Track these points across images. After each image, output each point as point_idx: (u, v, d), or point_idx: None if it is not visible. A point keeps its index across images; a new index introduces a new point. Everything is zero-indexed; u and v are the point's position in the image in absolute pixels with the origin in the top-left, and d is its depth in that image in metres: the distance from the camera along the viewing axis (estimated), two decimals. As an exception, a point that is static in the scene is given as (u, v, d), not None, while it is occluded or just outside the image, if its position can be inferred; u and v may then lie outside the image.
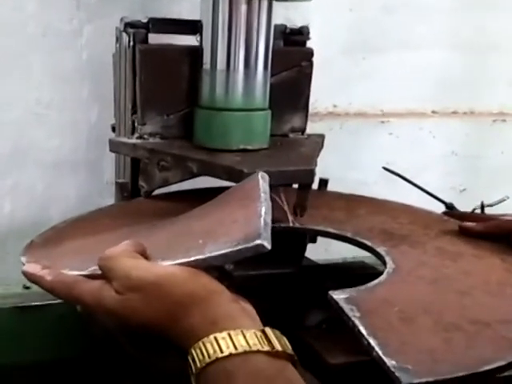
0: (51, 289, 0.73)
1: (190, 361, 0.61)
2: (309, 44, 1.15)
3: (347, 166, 1.45)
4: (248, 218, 0.72)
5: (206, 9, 1.02)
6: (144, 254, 0.72)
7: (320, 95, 1.33)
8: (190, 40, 1.07)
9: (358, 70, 1.44)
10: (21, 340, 1.02)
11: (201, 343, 0.61)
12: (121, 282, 0.67)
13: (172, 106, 1.07)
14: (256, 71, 1.03)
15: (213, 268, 0.70)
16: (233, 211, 0.77)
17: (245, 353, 0.60)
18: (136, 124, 1.06)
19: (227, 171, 0.94)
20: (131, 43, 1.04)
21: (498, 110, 1.58)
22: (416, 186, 1.13)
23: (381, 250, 0.92)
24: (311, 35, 1.15)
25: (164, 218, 0.90)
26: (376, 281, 0.81)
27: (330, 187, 1.16)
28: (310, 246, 1.09)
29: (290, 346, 0.62)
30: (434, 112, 1.54)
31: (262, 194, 0.77)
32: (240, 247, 0.66)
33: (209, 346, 0.61)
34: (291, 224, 0.97)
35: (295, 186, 1.01)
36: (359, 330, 0.69)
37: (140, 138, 1.06)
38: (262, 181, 0.81)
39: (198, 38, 1.05)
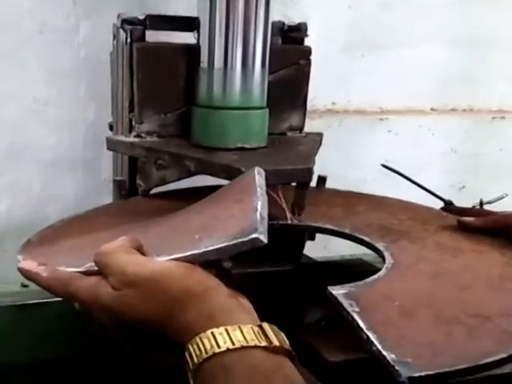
0: (47, 285, 0.73)
1: (187, 356, 0.61)
2: (307, 41, 1.15)
3: (346, 163, 1.45)
4: (244, 213, 0.72)
5: (204, 5, 1.01)
6: (140, 250, 0.72)
7: (319, 92, 1.32)
8: (188, 37, 1.07)
9: (356, 67, 1.43)
10: (19, 338, 1.02)
11: (198, 338, 0.61)
12: (117, 278, 0.67)
13: (169, 105, 1.07)
14: (254, 69, 1.03)
15: (211, 265, 0.70)
16: (229, 206, 0.77)
17: (242, 348, 0.59)
18: (133, 122, 1.06)
19: (225, 170, 0.94)
20: (128, 40, 1.04)
21: (497, 107, 1.58)
22: (415, 183, 1.13)
23: (380, 245, 0.92)
24: (309, 32, 1.14)
25: (161, 216, 0.90)
26: (375, 276, 0.81)
27: (329, 184, 1.16)
28: (308, 244, 1.09)
29: (287, 341, 0.62)
30: (432, 109, 1.53)
31: (258, 189, 0.77)
32: (236, 241, 0.66)
33: (206, 341, 0.61)
34: (289, 221, 0.97)
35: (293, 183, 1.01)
36: (358, 325, 0.69)
37: (137, 136, 1.05)
38: (259, 176, 0.82)
39: (196, 35, 1.05)
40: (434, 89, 1.51)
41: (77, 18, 1.23)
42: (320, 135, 1.17)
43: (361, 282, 0.79)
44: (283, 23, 1.14)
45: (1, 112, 1.23)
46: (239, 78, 1.02)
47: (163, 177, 1.02)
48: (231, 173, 0.90)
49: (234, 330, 0.61)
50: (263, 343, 0.60)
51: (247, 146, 1.04)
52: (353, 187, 1.16)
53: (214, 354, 0.59)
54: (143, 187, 1.04)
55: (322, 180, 1.15)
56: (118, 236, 0.73)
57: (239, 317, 0.63)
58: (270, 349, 0.60)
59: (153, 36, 1.07)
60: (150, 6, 1.20)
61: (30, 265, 0.75)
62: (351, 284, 0.77)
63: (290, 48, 1.14)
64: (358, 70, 1.43)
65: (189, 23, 1.06)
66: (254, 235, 0.66)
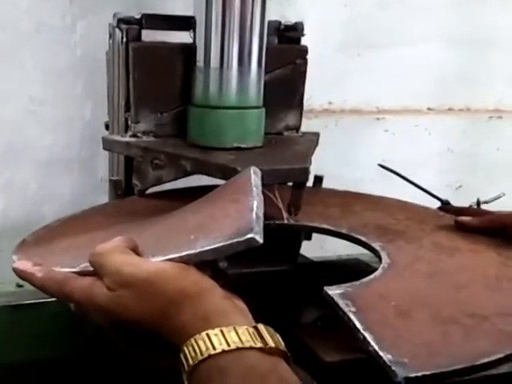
0: (42, 286, 0.73)
1: (182, 358, 0.61)
2: (303, 40, 1.14)
3: (342, 163, 1.45)
4: (240, 213, 0.72)
5: (200, 5, 1.01)
6: (136, 250, 0.71)
7: (315, 92, 1.32)
8: (184, 36, 1.06)
9: (353, 66, 1.43)
10: (14, 338, 1.02)
11: (193, 340, 0.61)
12: (112, 279, 0.67)
13: (165, 104, 1.06)
14: (250, 69, 1.03)
15: (207, 266, 0.70)
16: (225, 206, 0.77)
17: (237, 349, 0.59)
18: (129, 122, 1.06)
19: (221, 170, 0.93)
20: (124, 39, 1.04)
21: (493, 107, 1.58)
22: (412, 183, 1.13)
23: (376, 245, 0.91)
24: (306, 31, 1.14)
25: (157, 216, 0.90)
26: (371, 276, 0.81)
27: (326, 184, 1.16)
28: (304, 244, 1.08)
29: (282, 343, 0.62)
30: (429, 109, 1.53)
31: (254, 189, 0.77)
32: (232, 241, 0.66)
33: (201, 342, 0.60)
34: (286, 221, 0.97)
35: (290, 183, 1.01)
36: (355, 325, 0.69)
37: (133, 136, 1.05)
38: (254, 175, 0.82)
39: (192, 35, 1.05)
40: (431, 88, 1.51)
41: (73, 17, 1.23)
42: (317, 135, 1.17)
43: (357, 282, 0.78)
44: (279, 22, 1.14)
45: (-3, 110, 1.23)
46: (235, 77, 1.02)
47: (159, 177, 1.02)
48: (227, 173, 0.90)
49: (229, 332, 0.60)
50: (258, 344, 0.60)
51: (243, 145, 1.03)
52: (350, 187, 1.15)
53: (210, 356, 0.59)
54: (139, 187, 1.04)
55: (318, 180, 1.15)
56: (113, 236, 0.72)
57: (234, 318, 0.63)
58: (265, 350, 0.60)
59: (149, 35, 1.07)
60: (147, 5, 1.20)
61: (24, 265, 0.75)
62: (347, 284, 0.77)
63: (286, 47, 1.14)
64: (354, 70, 1.43)
65: (185, 22, 1.06)
66: (249, 235, 0.66)
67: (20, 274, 0.75)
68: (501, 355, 0.66)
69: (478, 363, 0.65)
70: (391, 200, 1.12)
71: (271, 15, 1.07)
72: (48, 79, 1.24)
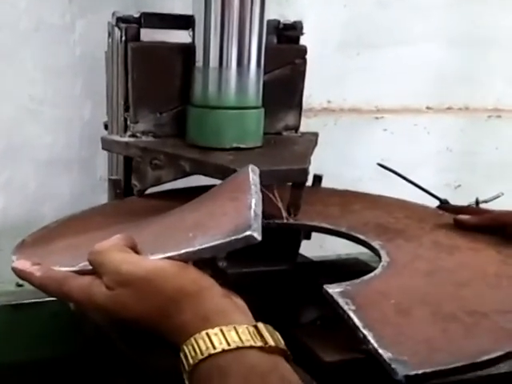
0: (41, 285, 0.73)
1: (182, 357, 0.61)
2: (303, 40, 1.14)
3: (342, 162, 1.45)
4: (238, 210, 0.72)
5: (199, 4, 1.01)
6: (134, 248, 0.71)
7: (314, 91, 1.32)
8: (183, 35, 1.06)
9: (352, 65, 1.43)
10: (13, 338, 1.02)
11: (193, 339, 0.61)
12: (111, 277, 0.67)
13: (165, 104, 1.06)
14: (249, 69, 1.02)
15: (206, 265, 0.69)
16: (223, 204, 0.77)
17: (237, 349, 0.59)
18: (128, 122, 1.06)
19: (220, 170, 0.93)
20: (123, 38, 1.04)
21: (492, 106, 1.58)
22: (411, 182, 1.12)
23: (375, 244, 0.92)
24: (305, 31, 1.14)
25: (156, 215, 0.90)
26: (371, 274, 0.81)
27: (325, 183, 1.16)
28: (304, 243, 1.08)
29: (282, 341, 0.62)
30: (428, 108, 1.53)
31: (253, 187, 0.77)
32: (230, 239, 0.66)
33: (201, 342, 0.60)
34: (285, 220, 0.97)
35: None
36: (354, 323, 0.69)
37: (132, 136, 1.05)
38: (253, 174, 0.82)
39: (191, 33, 1.05)
40: (430, 87, 1.51)
41: (72, 16, 1.23)
42: (315, 135, 1.17)
43: (357, 281, 0.79)
44: (278, 21, 1.14)
45: (-3, 110, 1.23)
46: (234, 77, 1.02)
47: (158, 177, 1.02)
48: (226, 173, 0.90)
49: (229, 331, 0.60)
50: (259, 343, 0.60)
51: (243, 145, 1.03)
52: (349, 186, 1.16)
53: (210, 355, 0.59)
54: (138, 187, 1.04)
55: (317, 179, 1.15)
56: (112, 235, 0.72)
57: (234, 317, 0.63)
58: (265, 349, 0.60)
59: (148, 34, 1.07)
60: (146, 4, 1.19)
61: (23, 264, 0.75)
62: (347, 282, 0.77)
63: (285, 47, 1.14)
64: (353, 69, 1.43)
65: (184, 21, 1.06)
66: (247, 232, 0.66)
67: (19, 273, 0.75)
68: (501, 352, 0.67)
69: (478, 360, 0.65)
70: (390, 199, 1.12)
71: (270, 15, 1.07)
72: (47, 78, 1.24)
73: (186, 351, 0.61)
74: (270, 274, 0.97)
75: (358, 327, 0.69)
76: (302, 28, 1.14)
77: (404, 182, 1.12)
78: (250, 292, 0.71)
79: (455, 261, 0.88)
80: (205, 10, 1.00)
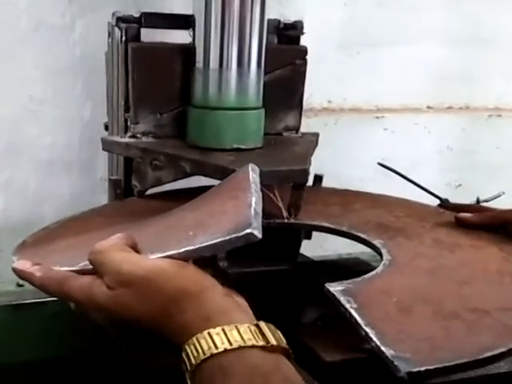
0: (41, 285, 0.73)
1: (184, 357, 0.61)
2: (303, 39, 1.14)
3: (342, 161, 1.45)
4: (238, 209, 0.72)
5: (199, 3, 1.01)
6: (135, 248, 0.71)
7: (315, 91, 1.32)
8: (184, 34, 1.06)
9: (352, 65, 1.43)
10: (14, 338, 1.02)
11: (195, 339, 0.61)
12: (112, 277, 0.67)
13: (165, 105, 1.06)
14: (249, 69, 1.02)
15: (207, 265, 0.70)
16: (223, 203, 0.77)
17: (239, 348, 0.59)
18: (129, 123, 1.06)
19: (220, 171, 0.93)
20: (123, 38, 1.04)
21: (493, 105, 1.58)
22: (411, 181, 1.12)
23: (377, 242, 0.92)
24: (305, 30, 1.14)
25: (157, 215, 0.90)
26: (373, 272, 0.81)
27: (325, 183, 1.16)
28: (305, 243, 1.08)
29: (284, 340, 0.62)
30: (429, 107, 1.53)
31: (253, 185, 0.77)
32: (230, 237, 0.66)
33: (203, 342, 0.60)
34: (286, 220, 0.97)
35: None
36: (356, 321, 0.69)
37: (133, 137, 1.05)
38: (253, 172, 0.82)
39: (191, 33, 1.05)
40: (431, 87, 1.50)
41: (72, 15, 1.23)
42: (316, 135, 1.17)
43: (358, 279, 0.79)
44: (279, 21, 1.14)
45: (-3, 110, 1.23)
46: (235, 78, 1.02)
47: (159, 178, 1.02)
48: (227, 174, 0.90)
49: (231, 330, 0.60)
50: (261, 342, 0.60)
51: (243, 146, 1.03)
52: (349, 186, 1.16)
53: (212, 355, 0.59)
54: (139, 188, 1.04)
55: (318, 179, 1.15)
56: (112, 235, 0.72)
57: (236, 316, 0.63)
58: (267, 348, 0.60)
59: (149, 34, 1.07)
60: (146, 4, 1.19)
61: (23, 265, 0.75)
62: (349, 281, 0.77)
63: (285, 48, 1.14)
64: (354, 68, 1.43)
65: (184, 21, 1.06)
66: (248, 230, 0.66)
67: (19, 273, 0.75)
68: (504, 349, 0.67)
69: (480, 357, 0.65)
70: (391, 198, 1.12)
71: (271, 14, 1.07)
72: (47, 78, 1.24)
73: (188, 351, 0.61)
74: (271, 273, 0.97)
75: (360, 325, 0.69)
76: (302, 28, 1.14)
77: (405, 181, 1.12)
78: (250, 292, 0.71)
79: (457, 258, 0.88)
80: (205, 9, 1.00)
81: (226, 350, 0.59)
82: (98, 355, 0.95)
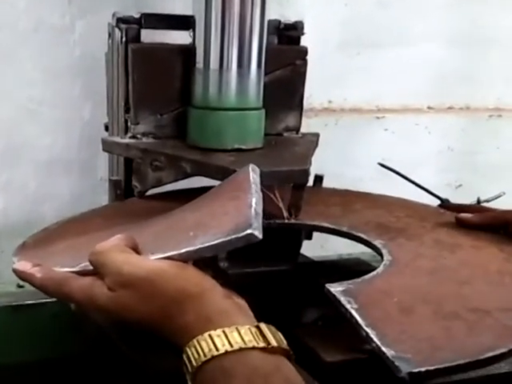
0: (41, 286, 0.73)
1: (185, 359, 0.61)
2: (303, 39, 1.14)
3: (343, 161, 1.45)
4: (239, 209, 0.72)
5: (199, 4, 1.01)
6: (135, 248, 0.71)
7: (315, 91, 1.32)
8: (184, 35, 1.06)
9: (353, 65, 1.43)
10: (14, 339, 1.02)
11: (195, 341, 0.61)
12: (113, 278, 0.67)
13: (165, 106, 1.06)
14: (249, 70, 1.02)
15: (208, 266, 0.69)
16: (224, 203, 0.77)
17: (240, 350, 0.59)
18: (129, 123, 1.06)
19: (221, 171, 0.93)
20: (123, 39, 1.04)
21: (493, 106, 1.58)
22: (412, 181, 1.12)
23: (377, 243, 0.92)
24: (306, 30, 1.14)
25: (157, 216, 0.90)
26: (373, 273, 0.81)
27: (326, 183, 1.16)
28: (305, 243, 1.08)
29: (285, 341, 0.62)
30: (429, 107, 1.53)
31: (253, 186, 0.77)
32: (231, 237, 0.66)
33: (204, 343, 0.60)
34: (286, 220, 0.97)
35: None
36: (357, 321, 0.69)
37: (133, 137, 1.05)
38: (253, 173, 0.82)
39: (191, 34, 1.05)
40: (431, 87, 1.50)
41: (72, 16, 1.23)
42: (316, 136, 1.17)
43: (359, 279, 0.79)
44: (279, 22, 1.14)
45: (-4, 110, 1.23)
46: (235, 78, 1.02)
47: (159, 178, 1.02)
48: (227, 175, 0.90)
49: (232, 332, 0.60)
50: (261, 344, 0.60)
51: (243, 147, 1.03)
52: (350, 186, 1.16)
53: (213, 357, 0.59)
54: (139, 188, 1.04)
55: (318, 179, 1.15)
56: (113, 236, 0.72)
57: (236, 318, 0.63)
58: (268, 349, 0.60)
59: (149, 35, 1.07)
60: (147, 5, 1.19)
61: (24, 266, 0.75)
62: (349, 281, 0.77)
63: (286, 48, 1.14)
64: (354, 69, 1.43)
65: (184, 22, 1.06)
66: (248, 231, 0.66)
67: (20, 274, 0.75)
68: (504, 349, 0.67)
69: (481, 358, 0.65)
70: (391, 198, 1.12)
71: (271, 15, 1.07)
72: (47, 79, 1.24)
73: (189, 353, 0.61)
74: (272, 274, 0.98)
75: (360, 325, 0.69)
76: (302, 28, 1.14)
77: (405, 181, 1.12)
78: (251, 292, 0.71)
79: (457, 259, 0.88)
80: (205, 10, 1.00)
81: (226, 352, 0.59)
82: (98, 356, 0.94)
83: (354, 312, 0.70)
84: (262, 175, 0.83)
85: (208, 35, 1.00)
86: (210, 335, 0.60)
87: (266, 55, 1.04)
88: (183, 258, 0.68)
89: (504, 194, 1.09)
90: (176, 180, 1.03)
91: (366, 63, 1.44)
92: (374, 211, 1.05)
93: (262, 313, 0.66)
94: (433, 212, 1.06)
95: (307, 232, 1.09)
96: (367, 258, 1.07)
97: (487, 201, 1.08)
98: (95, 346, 0.93)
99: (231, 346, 0.59)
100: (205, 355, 0.59)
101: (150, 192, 1.05)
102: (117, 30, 1.05)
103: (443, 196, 1.11)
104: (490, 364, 0.67)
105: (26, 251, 0.88)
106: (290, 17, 1.17)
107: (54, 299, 0.75)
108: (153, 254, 0.69)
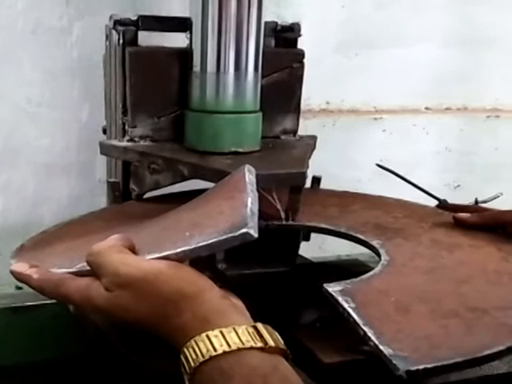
0: (38, 287, 0.73)
1: (183, 360, 0.61)
2: (301, 41, 1.14)
3: (341, 163, 1.45)
4: (234, 209, 0.73)
5: (196, 7, 1.01)
6: (132, 249, 0.71)
7: (313, 92, 1.32)
8: (181, 37, 1.06)
9: (350, 66, 1.43)
10: (13, 341, 1.02)
11: (193, 342, 0.61)
12: (110, 279, 0.67)
13: (162, 109, 1.06)
14: (246, 73, 1.02)
15: (206, 267, 0.70)
16: (219, 203, 0.77)
17: (238, 350, 0.60)
18: (126, 126, 1.06)
19: (218, 174, 0.93)
20: (121, 41, 1.04)
21: (491, 106, 1.58)
22: (410, 182, 1.13)
23: (375, 243, 0.92)
24: (303, 32, 1.14)
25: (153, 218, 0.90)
26: (371, 272, 0.82)
27: (324, 184, 1.16)
28: (304, 244, 1.09)
29: (282, 341, 0.62)
30: (427, 108, 1.53)
31: (249, 186, 0.78)
32: (227, 236, 0.67)
33: (201, 344, 0.61)
34: (284, 221, 0.97)
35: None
36: (355, 320, 0.69)
37: (131, 140, 1.05)
38: (249, 173, 0.82)
39: (188, 36, 1.05)
40: (429, 88, 1.50)
41: (70, 18, 1.23)
42: (314, 138, 1.17)
43: (356, 279, 0.79)
44: (276, 23, 1.14)
45: (-6, 112, 1.23)
46: (232, 81, 1.01)
47: (157, 181, 1.02)
48: (224, 177, 0.90)
49: (229, 332, 0.61)
50: (259, 344, 0.60)
51: (241, 150, 1.03)
52: (348, 187, 1.16)
53: (211, 358, 0.59)
54: (137, 191, 1.04)
55: (316, 181, 1.15)
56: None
57: (233, 318, 0.63)
58: (265, 349, 0.61)
59: (148, 36, 1.07)
60: (144, 7, 1.20)
61: (21, 267, 0.75)
62: (347, 281, 0.77)
63: (283, 51, 1.14)
64: (352, 70, 1.43)
65: (181, 24, 1.06)
66: (244, 230, 0.66)
67: (17, 276, 0.75)
68: (502, 347, 0.67)
69: (479, 356, 0.65)
70: (389, 199, 1.12)
71: (268, 16, 1.07)
72: (45, 81, 1.24)
73: (187, 353, 0.61)
74: (269, 275, 0.98)
75: (358, 324, 0.69)
76: (299, 30, 1.13)
77: (403, 182, 1.12)
78: (249, 294, 0.71)
79: (455, 258, 0.88)
80: (202, 12, 1.00)
81: (224, 352, 0.59)
82: (97, 357, 0.95)
83: (351, 311, 0.71)
84: (259, 178, 0.83)
85: (205, 38, 1.00)
86: (207, 335, 0.61)
87: (263, 58, 1.04)
88: (180, 258, 0.68)
89: (502, 194, 1.10)
90: (173, 183, 1.03)
91: (363, 64, 1.44)
92: (372, 212, 1.05)
93: (261, 314, 0.66)
94: (431, 212, 1.06)
95: (305, 233, 1.09)
96: (365, 259, 1.07)
97: (485, 201, 1.08)
98: (94, 348, 0.93)
99: (229, 346, 0.59)
100: (203, 356, 0.60)
101: (149, 195, 1.05)
102: (114, 32, 1.05)
103: (441, 196, 1.11)
104: (487, 362, 0.68)
105: (24, 253, 0.88)
106: (287, 18, 1.17)
107: (53, 301, 0.75)
108: (149, 254, 0.70)
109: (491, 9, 1.49)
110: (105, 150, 1.07)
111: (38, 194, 1.29)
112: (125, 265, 0.67)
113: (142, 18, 1.05)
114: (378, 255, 0.88)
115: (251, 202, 0.73)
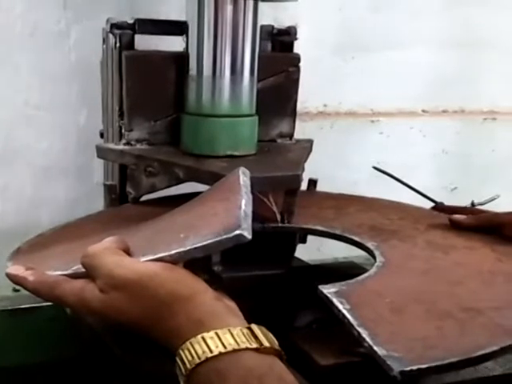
0: (34, 289, 0.73)
1: (179, 362, 0.62)
2: (298, 44, 1.15)
3: (338, 165, 1.45)
4: (228, 211, 0.73)
5: (192, 10, 1.01)
6: (127, 251, 0.72)
7: (310, 95, 1.33)
8: (178, 41, 1.07)
9: (347, 69, 1.43)
10: (10, 343, 1.03)
11: (189, 344, 0.61)
12: (104, 281, 0.67)
13: (159, 112, 1.07)
14: (242, 77, 1.03)
15: (202, 270, 0.70)
16: (214, 205, 0.78)
17: (234, 351, 0.60)
18: (123, 130, 1.06)
19: (214, 177, 0.93)
20: (117, 44, 1.04)
21: (488, 109, 1.58)
22: (407, 185, 1.13)
23: (370, 244, 0.92)
24: (300, 35, 1.14)
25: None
26: (366, 274, 0.82)
27: (320, 186, 1.16)
28: (301, 246, 1.09)
29: (276, 342, 0.63)
30: (424, 111, 1.53)
31: (243, 188, 0.78)
32: (220, 238, 0.67)
33: (197, 346, 0.61)
34: (280, 224, 0.97)
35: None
36: (349, 322, 0.70)
37: (127, 144, 1.06)
38: (243, 175, 0.82)
39: (185, 39, 1.05)
40: (425, 90, 1.50)
41: (67, 21, 1.23)
42: (310, 142, 1.17)
43: (351, 281, 0.79)
44: (272, 27, 1.14)
45: (-8, 115, 1.23)
46: (228, 85, 1.02)
47: (153, 184, 1.02)
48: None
49: (225, 334, 0.61)
50: (254, 345, 0.61)
51: (236, 153, 1.03)
52: (344, 189, 1.16)
53: (207, 359, 0.60)
54: (133, 194, 1.04)
55: (312, 183, 1.15)
56: None
57: (228, 320, 0.63)
58: (261, 350, 0.61)
59: (144, 39, 1.07)
60: (141, 10, 1.20)
61: (17, 270, 0.75)
62: (342, 282, 0.78)
63: (279, 55, 1.14)
64: (349, 73, 1.43)
65: (178, 27, 1.06)
66: (237, 231, 0.67)
67: (12, 278, 0.75)
68: (496, 348, 0.67)
69: (473, 356, 0.65)
70: (385, 201, 1.13)
71: (265, 19, 1.07)
72: (43, 84, 1.24)
73: (183, 355, 0.61)
74: (266, 277, 0.98)
75: (352, 325, 0.69)
76: (296, 33, 1.14)
77: (400, 185, 1.13)
78: (245, 296, 0.72)
79: (450, 260, 0.88)
80: (198, 16, 1.00)
81: (220, 354, 0.59)
82: (93, 359, 0.95)
83: (346, 312, 0.71)
84: (254, 181, 0.83)
85: (201, 42, 1.01)
86: (202, 337, 0.61)
87: (258, 62, 1.04)
88: (174, 259, 0.68)
89: (498, 196, 1.10)
90: (169, 186, 1.04)
91: (360, 67, 1.44)
92: (368, 214, 1.05)
93: (257, 316, 0.66)
94: (426, 214, 1.07)
95: (301, 235, 1.09)
96: (362, 261, 1.07)
97: (481, 203, 1.09)
98: (91, 350, 0.93)
99: (224, 347, 0.60)
100: (199, 357, 0.60)
101: (145, 198, 1.05)
102: (111, 35, 1.05)
103: (438, 199, 1.11)
104: (481, 362, 0.68)
105: (20, 256, 0.88)
106: (283, 21, 1.17)
107: (49, 303, 0.75)
108: (144, 256, 0.70)
109: (487, 11, 1.49)
110: (101, 153, 1.07)
111: (36, 197, 1.29)
112: (119, 267, 0.67)
113: (139, 21, 1.06)
114: (373, 257, 0.89)
115: (245, 203, 0.73)
